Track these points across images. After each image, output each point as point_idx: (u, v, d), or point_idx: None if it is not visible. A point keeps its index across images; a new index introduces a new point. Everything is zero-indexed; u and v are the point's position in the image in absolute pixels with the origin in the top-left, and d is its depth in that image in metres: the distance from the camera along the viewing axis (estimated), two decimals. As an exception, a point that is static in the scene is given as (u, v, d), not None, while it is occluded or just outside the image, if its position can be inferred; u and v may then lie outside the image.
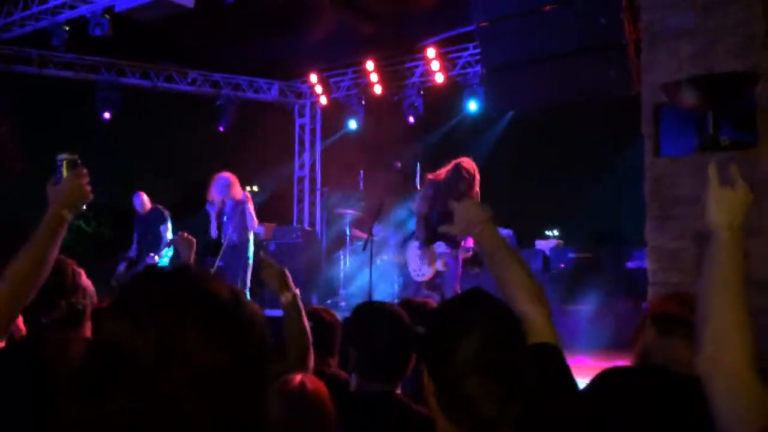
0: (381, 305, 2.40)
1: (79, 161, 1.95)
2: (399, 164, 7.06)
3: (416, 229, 6.69)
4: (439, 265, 6.42)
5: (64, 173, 1.93)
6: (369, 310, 2.38)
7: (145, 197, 7.99)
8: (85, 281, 2.54)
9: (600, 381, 1.53)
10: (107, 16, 8.33)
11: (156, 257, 7.52)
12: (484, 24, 5.15)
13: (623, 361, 6.20)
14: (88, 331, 2.46)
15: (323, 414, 1.58)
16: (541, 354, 1.52)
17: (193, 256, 2.96)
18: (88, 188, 1.94)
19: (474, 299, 1.53)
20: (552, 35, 4.64)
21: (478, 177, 6.43)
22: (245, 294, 0.94)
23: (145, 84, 11.26)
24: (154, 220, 7.78)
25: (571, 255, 7.91)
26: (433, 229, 6.27)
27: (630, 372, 1.37)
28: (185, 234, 3.03)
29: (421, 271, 6.51)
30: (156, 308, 0.87)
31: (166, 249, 7.57)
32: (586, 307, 7.69)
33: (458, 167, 6.27)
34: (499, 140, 10.86)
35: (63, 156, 1.94)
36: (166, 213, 7.80)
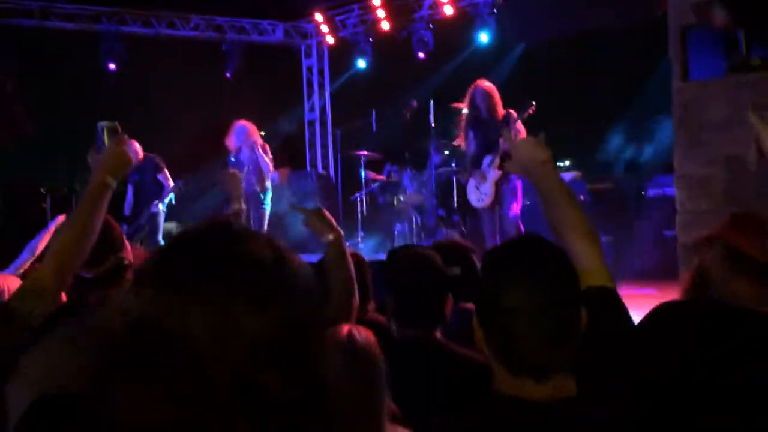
0: (413, 250, 2.36)
1: (119, 127, 1.94)
2: (415, 103, 6.94)
3: (468, 165, 6.81)
4: (493, 173, 6.39)
5: (106, 140, 1.93)
6: (402, 256, 2.34)
7: (137, 146, 7.87)
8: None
9: (656, 318, 1.49)
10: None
11: (160, 205, 7.53)
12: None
13: (649, 290, 6.22)
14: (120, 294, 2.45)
15: (375, 367, 1.56)
16: (596, 297, 1.48)
17: (241, 194, 2.80)
18: (131, 154, 1.95)
19: (524, 242, 1.48)
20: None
21: (495, 98, 6.42)
22: (286, 249, 0.87)
23: (148, 32, 11.04)
24: (151, 169, 7.70)
25: (591, 186, 7.82)
26: (476, 158, 6.49)
27: (691, 307, 1.32)
28: (231, 171, 2.90)
29: (481, 193, 6.51)
30: (201, 280, 0.80)
31: (170, 196, 7.56)
32: (608, 237, 7.65)
33: (474, 94, 6.48)
34: (512, 72, 10.59)
35: (103, 123, 1.93)
36: (160, 160, 7.71)
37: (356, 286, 2.32)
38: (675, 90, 3.86)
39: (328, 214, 2.42)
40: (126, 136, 1.94)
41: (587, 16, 4.71)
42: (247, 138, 7.06)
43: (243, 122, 7.14)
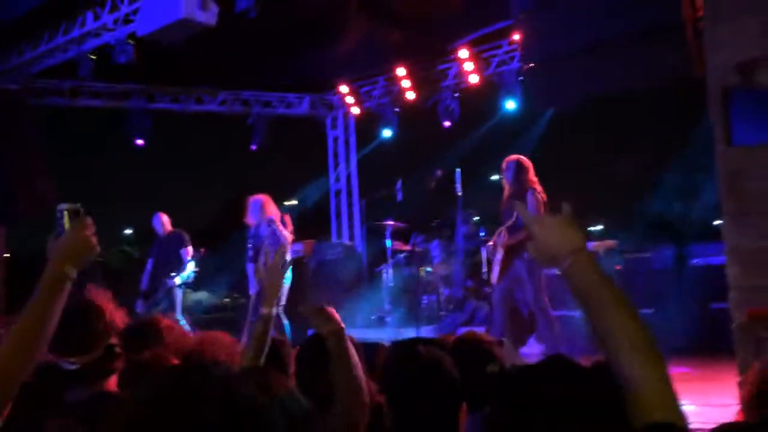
0: (421, 353, 2.03)
1: (82, 210, 1.71)
2: (439, 172, 6.75)
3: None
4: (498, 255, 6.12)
5: (66, 225, 1.70)
6: (405, 361, 2.01)
7: (165, 218, 7.82)
8: (119, 322, 2.32)
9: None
10: (131, 42, 8.20)
11: (177, 278, 7.35)
12: (523, 15, 4.79)
13: (684, 368, 5.76)
14: (113, 383, 2.19)
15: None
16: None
17: (276, 294, 2.46)
18: (94, 240, 1.70)
19: (552, 371, 1.20)
20: (601, 20, 4.24)
21: (516, 169, 6.22)
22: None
23: (176, 107, 11.17)
24: (175, 243, 7.60)
25: (627, 255, 7.43)
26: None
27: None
28: (275, 263, 2.47)
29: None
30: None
31: (188, 272, 7.39)
32: (645, 311, 7.20)
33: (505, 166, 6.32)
34: (541, 139, 10.40)
35: (64, 206, 1.72)
36: (186, 236, 7.64)
37: (362, 390, 2.02)
38: (718, 154, 3.56)
39: (328, 309, 2.15)
40: (89, 220, 1.69)
41: (619, 76, 4.50)
42: (261, 212, 6.89)
43: (257, 197, 6.98)
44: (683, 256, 7.16)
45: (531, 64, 5.18)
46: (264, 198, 6.95)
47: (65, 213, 1.71)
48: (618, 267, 7.43)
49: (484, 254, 8.85)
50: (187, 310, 8.06)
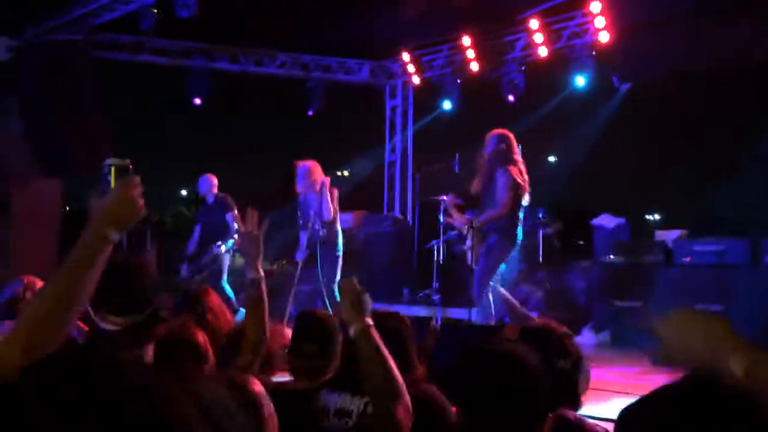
0: (497, 350, 1.72)
1: (131, 167, 1.51)
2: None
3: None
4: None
5: (112, 182, 1.51)
6: (481, 362, 1.72)
7: (214, 180, 7.63)
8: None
9: None
10: (194, -5, 8.04)
11: (222, 246, 7.21)
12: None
13: None
14: (149, 353, 1.99)
15: None
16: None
17: (259, 258, 2.38)
18: (141, 201, 1.49)
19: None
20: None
21: (496, 143, 5.75)
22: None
23: (235, 68, 11.03)
24: (220, 207, 7.45)
25: (698, 247, 6.93)
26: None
27: None
28: (249, 228, 2.42)
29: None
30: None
31: (234, 237, 7.26)
32: (715, 307, 6.71)
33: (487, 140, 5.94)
34: (613, 120, 9.82)
35: (111, 161, 1.53)
36: (231, 200, 7.47)
37: (401, 392, 1.75)
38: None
39: (365, 298, 1.88)
40: (137, 178, 1.48)
41: (722, 51, 4.03)
42: (308, 179, 6.63)
43: (305, 163, 6.72)
44: (759, 250, 6.63)
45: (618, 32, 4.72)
46: (311, 164, 6.68)
47: (112, 169, 1.52)
48: (687, 259, 6.94)
49: (540, 236, 8.47)
50: (233, 274, 7.96)
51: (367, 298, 1.87)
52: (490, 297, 5.74)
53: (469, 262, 5.90)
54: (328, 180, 6.73)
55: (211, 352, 2.15)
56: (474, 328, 4.67)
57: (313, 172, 6.75)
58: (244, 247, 2.31)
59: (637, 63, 4.61)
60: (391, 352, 1.87)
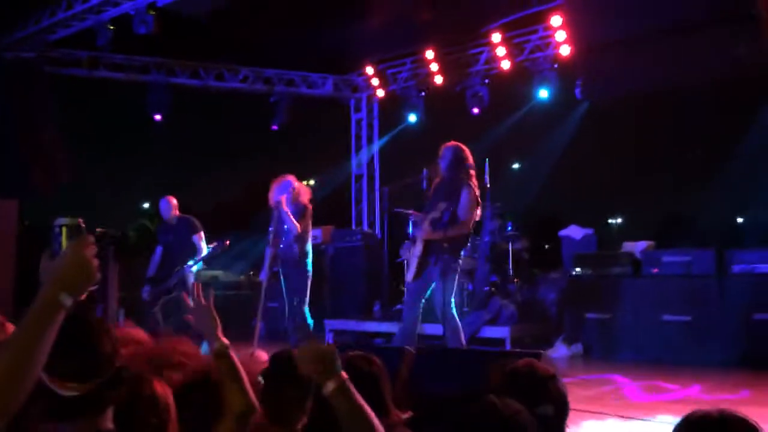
0: (489, 408, 1.64)
1: (83, 226, 1.41)
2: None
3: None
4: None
5: (64, 243, 1.40)
6: (475, 420, 1.64)
7: (173, 201, 7.43)
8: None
9: None
10: (152, 12, 7.86)
11: (194, 266, 7.03)
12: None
13: (742, 392, 5.36)
14: (109, 418, 1.82)
15: None
16: None
17: (217, 327, 2.22)
18: (95, 263, 1.39)
19: None
20: (666, 7, 3.81)
21: (453, 157, 5.73)
22: None
23: (196, 83, 10.84)
24: (186, 229, 7.23)
25: (666, 258, 7.02)
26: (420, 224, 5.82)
27: None
28: (197, 301, 2.27)
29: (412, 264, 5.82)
30: None
31: (202, 258, 7.09)
32: (682, 318, 6.81)
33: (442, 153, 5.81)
34: (577, 130, 9.94)
35: (62, 220, 1.44)
36: (196, 221, 7.26)
37: None
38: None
39: (334, 356, 1.79)
40: (91, 237, 1.38)
41: (689, 68, 4.06)
42: (273, 195, 6.48)
43: (282, 178, 6.57)
44: (725, 260, 6.74)
45: (582, 50, 4.73)
46: (276, 180, 6.52)
47: (63, 229, 1.43)
48: (655, 270, 7.03)
49: (510, 249, 8.48)
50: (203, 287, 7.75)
51: (337, 354, 1.78)
52: (455, 312, 5.69)
53: (410, 273, 5.80)
54: (307, 196, 6.57)
55: (173, 411, 1.98)
56: (451, 354, 4.60)
57: (273, 187, 6.59)
58: (199, 322, 2.18)
59: (597, 83, 4.62)
60: (364, 397, 1.79)
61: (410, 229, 8.73)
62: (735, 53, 3.89)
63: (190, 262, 6.97)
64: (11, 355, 1.29)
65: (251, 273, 12.73)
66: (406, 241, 5.97)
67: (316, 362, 1.75)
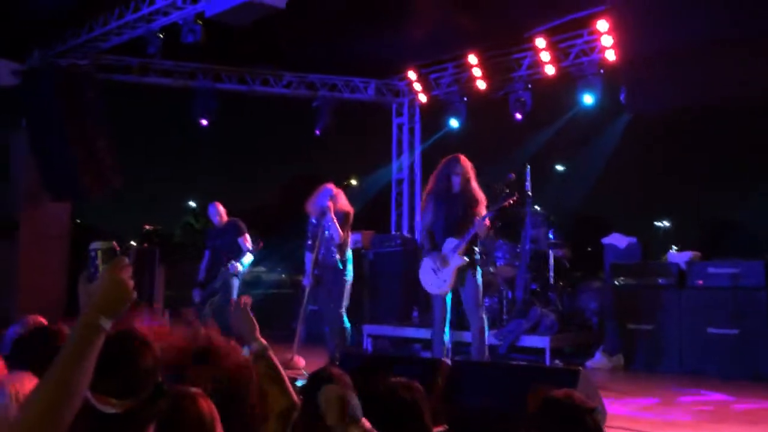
0: None
1: (118, 249, 1.47)
2: (513, 175, 6.31)
3: (422, 242, 6.27)
4: (458, 261, 5.64)
5: (100, 267, 1.47)
6: None
7: (221, 208, 7.67)
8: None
9: None
10: (199, 22, 8.04)
11: (238, 265, 7.19)
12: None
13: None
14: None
15: None
16: None
17: (255, 329, 2.31)
18: (131, 284, 1.46)
19: None
20: (716, 16, 3.71)
21: (467, 169, 5.85)
22: None
23: (242, 88, 11.04)
24: (232, 231, 7.45)
25: (712, 269, 6.84)
26: (441, 235, 5.82)
27: None
28: (236, 306, 2.39)
29: (439, 278, 5.78)
30: None
31: (248, 261, 7.26)
32: (729, 331, 6.63)
33: (447, 164, 5.94)
34: (623, 136, 9.77)
35: (97, 245, 1.49)
36: (242, 224, 7.49)
37: None
38: None
39: (353, 401, 1.81)
40: (126, 260, 1.44)
41: (714, 87, 3.95)
42: (314, 204, 6.58)
43: (325, 186, 6.65)
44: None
45: (629, 61, 4.65)
46: (326, 188, 6.59)
47: (99, 253, 1.49)
48: (700, 282, 6.86)
49: (551, 257, 8.38)
50: (246, 286, 7.91)
51: (355, 399, 1.80)
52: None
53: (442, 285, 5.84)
54: (347, 203, 6.66)
55: (219, 425, 2.02)
56: (487, 368, 4.57)
57: (315, 195, 6.68)
58: (238, 325, 2.29)
59: (640, 96, 4.51)
60: (406, 423, 1.81)
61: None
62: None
63: (234, 262, 7.15)
64: (58, 380, 1.37)
65: (292, 272, 12.92)
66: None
67: (335, 406, 1.78)
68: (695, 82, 4.14)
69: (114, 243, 1.52)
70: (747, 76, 3.99)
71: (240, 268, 7.28)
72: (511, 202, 5.78)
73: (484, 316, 5.83)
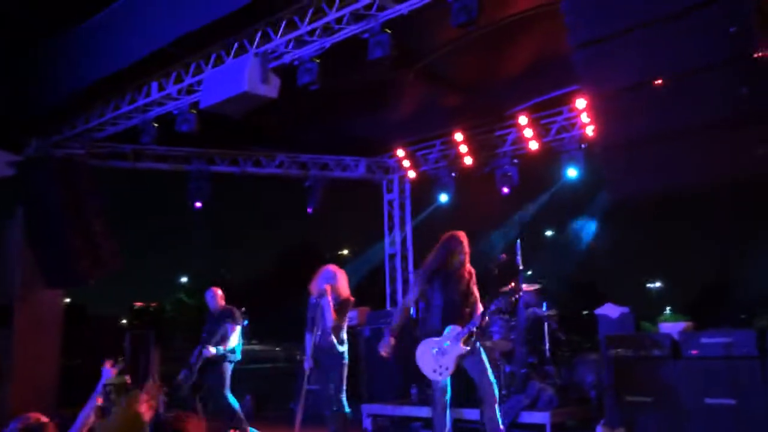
0: None
1: (130, 383, 1.58)
2: (504, 256, 6.45)
3: (420, 326, 6.20)
4: (459, 349, 5.65)
5: (114, 401, 1.58)
6: None
7: (218, 293, 7.72)
8: None
9: None
10: (194, 111, 8.31)
11: (212, 349, 7.22)
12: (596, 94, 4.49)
13: None
14: None
15: None
16: None
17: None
18: (150, 413, 1.57)
19: None
20: (688, 108, 3.93)
21: (465, 247, 5.88)
22: None
23: (234, 170, 11.27)
24: (224, 318, 7.51)
25: (705, 339, 6.92)
26: (438, 317, 5.82)
27: None
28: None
29: (441, 365, 5.77)
30: None
31: (235, 345, 7.30)
32: (725, 401, 6.66)
33: (446, 242, 5.92)
34: (609, 207, 10.03)
35: (109, 380, 1.60)
36: (237, 312, 7.52)
37: None
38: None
39: None
40: (139, 393, 1.55)
41: (707, 165, 4.14)
42: (315, 286, 6.64)
43: (326, 267, 6.72)
44: (767, 341, 6.64)
45: (605, 145, 4.88)
46: (327, 270, 6.66)
47: (111, 389, 1.60)
48: (694, 352, 6.93)
49: (546, 329, 8.46)
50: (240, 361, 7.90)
51: None
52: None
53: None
54: (346, 287, 6.72)
55: None
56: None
57: (314, 278, 6.74)
58: None
59: (622, 183, 4.67)
60: None
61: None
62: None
63: (207, 347, 7.18)
64: None
65: (286, 345, 12.83)
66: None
67: None
68: (675, 168, 4.35)
69: (126, 378, 1.62)
70: (731, 159, 4.20)
71: (213, 351, 7.31)
72: (514, 300, 5.86)
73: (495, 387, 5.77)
